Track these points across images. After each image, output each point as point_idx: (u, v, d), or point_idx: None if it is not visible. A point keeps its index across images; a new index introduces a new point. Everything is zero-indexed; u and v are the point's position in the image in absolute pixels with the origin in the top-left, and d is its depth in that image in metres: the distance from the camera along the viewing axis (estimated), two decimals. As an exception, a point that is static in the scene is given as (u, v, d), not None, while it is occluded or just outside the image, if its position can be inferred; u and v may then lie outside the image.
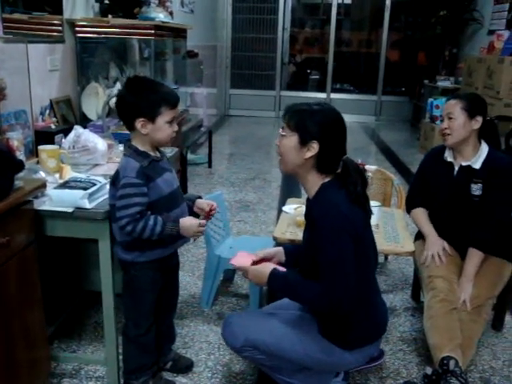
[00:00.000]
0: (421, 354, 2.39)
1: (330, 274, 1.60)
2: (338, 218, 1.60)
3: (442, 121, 2.44)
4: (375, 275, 1.85)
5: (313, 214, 1.67)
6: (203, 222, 1.89)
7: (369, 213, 1.74)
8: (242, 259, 1.85)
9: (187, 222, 1.85)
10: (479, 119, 2.35)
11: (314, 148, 1.64)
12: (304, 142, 1.64)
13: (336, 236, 1.60)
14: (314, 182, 1.70)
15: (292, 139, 1.66)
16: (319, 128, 1.63)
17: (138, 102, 1.76)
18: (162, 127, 1.79)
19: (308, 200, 1.79)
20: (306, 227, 1.82)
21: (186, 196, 2.05)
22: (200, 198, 2.08)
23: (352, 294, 1.60)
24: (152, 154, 1.85)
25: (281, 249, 1.95)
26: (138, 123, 1.77)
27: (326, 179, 1.70)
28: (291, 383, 1.86)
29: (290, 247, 2.00)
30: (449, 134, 2.37)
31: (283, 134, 1.69)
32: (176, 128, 1.85)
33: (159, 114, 1.77)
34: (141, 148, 1.82)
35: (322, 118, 1.65)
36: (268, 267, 1.76)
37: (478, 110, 2.36)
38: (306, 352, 1.76)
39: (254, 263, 1.83)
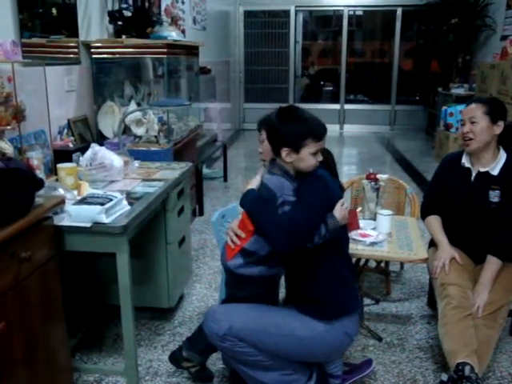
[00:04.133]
0: (437, 361, 2.40)
1: (297, 215, 1.77)
2: (322, 180, 1.86)
3: (462, 125, 2.41)
4: (348, 254, 2.03)
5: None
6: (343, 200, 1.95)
7: (343, 188, 2.07)
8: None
9: (337, 211, 1.87)
10: (501, 124, 2.35)
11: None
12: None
13: (313, 191, 1.83)
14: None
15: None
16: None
17: (286, 132, 1.84)
18: (306, 158, 1.84)
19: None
20: None
21: None
22: None
23: (307, 235, 1.77)
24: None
25: None
26: (283, 152, 1.85)
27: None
28: (264, 382, 1.91)
29: None
30: (471, 139, 2.36)
31: (264, 138, 2.02)
32: (320, 159, 1.88)
33: (304, 146, 1.82)
34: (288, 170, 1.89)
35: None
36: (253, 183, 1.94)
37: (499, 114, 2.36)
38: (291, 332, 1.85)
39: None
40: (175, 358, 2.25)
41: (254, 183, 1.93)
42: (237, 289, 2.02)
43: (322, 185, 1.85)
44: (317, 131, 1.84)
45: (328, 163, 1.99)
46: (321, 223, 1.80)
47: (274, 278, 2.09)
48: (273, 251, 1.86)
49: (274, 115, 1.90)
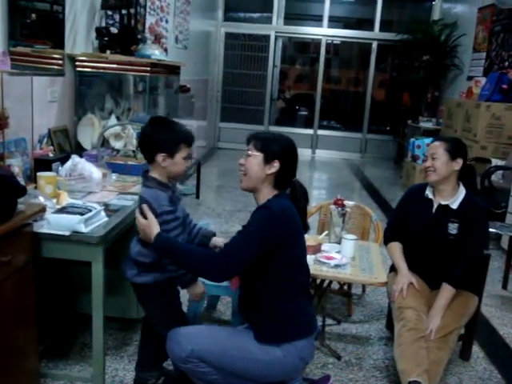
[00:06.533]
0: (392, 381, 2.52)
1: (233, 245, 1.90)
2: (271, 212, 1.89)
3: (425, 160, 2.61)
4: (308, 283, 2.11)
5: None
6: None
7: (306, 227, 2.10)
8: None
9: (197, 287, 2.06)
10: (460, 161, 2.54)
11: (275, 166, 1.94)
12: (267, 161, 1.95)
13: (258, 223, 1.90)
14: (268, 194, 1.98)
15: (258, 157, 1.96)
16: (280, 150, 1.97)
17: (161, 138, 1.98)
18: (179, 162, 2.00)
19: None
20: None
21: (202, 233, 2.23)
22: (215, 235, 2.26)
23: (234, 272, 1.95)
24: (170, 184, 2.04)
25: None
26: (159, 157, 1.97)
27: (277, 192, 2.00)
28: None
29: None
30: (433, 171, 2.54)
31: (250, 153, 1.98)
32: (190, 163, 2.06)
33: (178, 151, 1.99)
34: (161, 180, 2.01)
35: (282, 143, 2.00)
36: (156, 227, 1.92)
37: (459, 152, 2.55)
38: (249, 355, 1.93)
39: None
40: (140, 383, 2.30)
41: (155, 225, 1.93)
42: (144, 300, 2.14)
43: (267, 215, 1.90)
44: (188, 137, 2.03)
45: (296, 195, 2.06)
46: (256, 251, 1.88)
47: (174, 284, 2.13)
48: (158, 257, 1.98)
49: (147, 124, 2.05)
